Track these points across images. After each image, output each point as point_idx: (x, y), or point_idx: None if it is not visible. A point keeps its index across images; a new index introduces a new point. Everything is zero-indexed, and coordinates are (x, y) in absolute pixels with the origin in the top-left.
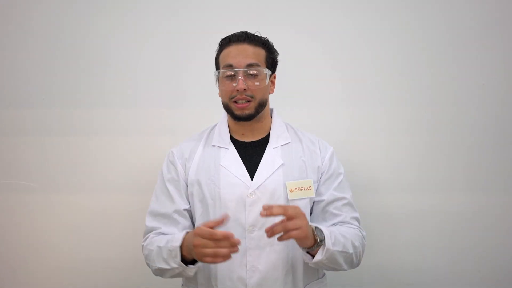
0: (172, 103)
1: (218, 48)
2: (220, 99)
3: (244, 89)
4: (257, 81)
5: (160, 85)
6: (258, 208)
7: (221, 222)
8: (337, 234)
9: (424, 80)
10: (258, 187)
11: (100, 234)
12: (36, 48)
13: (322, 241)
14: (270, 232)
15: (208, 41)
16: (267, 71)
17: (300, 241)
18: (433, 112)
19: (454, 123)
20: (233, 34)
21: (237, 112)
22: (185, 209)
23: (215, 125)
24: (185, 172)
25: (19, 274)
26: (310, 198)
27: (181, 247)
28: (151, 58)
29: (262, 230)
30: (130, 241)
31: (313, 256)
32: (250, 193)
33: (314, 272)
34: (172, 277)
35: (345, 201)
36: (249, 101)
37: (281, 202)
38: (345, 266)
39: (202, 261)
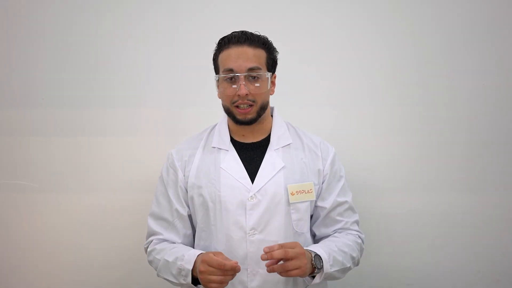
0: (172, 103)
1: (216, 48)
2: (219, 100)
3: (246, 94)
4: (259, 85)
5: (160, 85)
6: (259, 212)
7: (230, 267)
8: (336, 253)
9: (424, 81)
10: (258, 190)
11: (101, 233)
12: (36, 48)
13: (320, 268)
14: (270, 269)
15: (208, 41)
16: (269, 75)
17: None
18: (433, 112)
19: (455, 123)
20: (232, 34)
21: (239, 117)
22: (185, 215)
23: (215, 125)
24: (184, 176)
25: (20, 274)
26: (311, 201)
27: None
28: (151, 58)
29: (262, 233)
30: (130, 240)
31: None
32: (251, 196)
33: None
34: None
35: (346, 206)
36: (251, 105)
37: (282, 205)
38: (341, 276)
39: (207, 287)
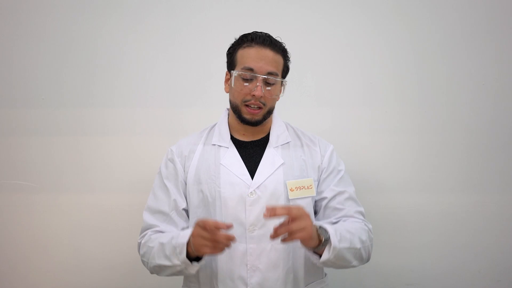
0: (172, 103)
1: (236, 43)
2: (221, 98)
3: (260, 96)
4: (272, 90)
5: (160, 85)
6: (259, 208)
7: (224, 226)
8: (343, 231)
9: (424, 81)
10: (258, 186)
11: (100, 233)
12: (36, 48)
13: (327, 240)
14: (274, 234)
15: (208, 41)
16: (284, 82)
17: (304, 242)
18: (433, 112)
19: (455, 123)
20: (255, 34)
21: (247, 116)
22: (183, 209)
23: (215, 124)
24: (184, 171)
25: (20, 274)
26: (312, 197)
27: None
28: (151, 58)
29: (262, 229)
30: (130, 240)
31: (320, 256)
32: (251, 192)
33: (316, 272)
34: (170, 275)
35: (346, 195)
36: (260, 107)
37: (282, 201)
38: (354, 262)
39: (201, 251)
